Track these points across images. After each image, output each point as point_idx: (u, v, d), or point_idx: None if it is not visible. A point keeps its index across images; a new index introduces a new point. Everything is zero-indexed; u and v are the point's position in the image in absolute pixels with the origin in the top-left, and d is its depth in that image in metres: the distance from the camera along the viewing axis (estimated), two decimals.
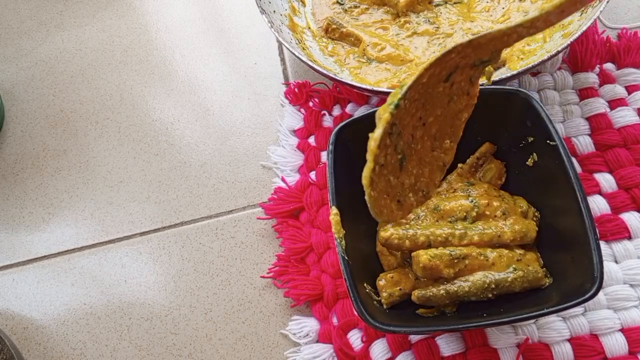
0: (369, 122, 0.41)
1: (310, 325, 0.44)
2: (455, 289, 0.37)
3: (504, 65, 0.50)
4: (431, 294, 0.37)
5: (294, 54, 0.49)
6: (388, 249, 0.41)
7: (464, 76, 0.35)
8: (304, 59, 0.48)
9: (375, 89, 0.45)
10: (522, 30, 0.32)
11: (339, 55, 0.54)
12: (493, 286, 0.37)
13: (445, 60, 0.33)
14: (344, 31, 0.55)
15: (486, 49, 0.33)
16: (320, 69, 0.48)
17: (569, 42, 0.44)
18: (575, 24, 0.48)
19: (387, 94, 0.45)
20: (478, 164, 0.43)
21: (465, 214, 0.40)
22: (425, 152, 0.37)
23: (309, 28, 0.57)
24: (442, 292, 0.37)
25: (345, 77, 0.52)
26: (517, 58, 0.50)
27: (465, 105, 0.37)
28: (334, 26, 0.55)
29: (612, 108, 0.49)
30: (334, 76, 0.47)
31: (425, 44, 0.53)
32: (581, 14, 0.48)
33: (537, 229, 0.39)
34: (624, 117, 0.48)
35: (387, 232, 0.39)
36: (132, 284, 0.48)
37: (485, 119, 0.42)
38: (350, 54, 0.54)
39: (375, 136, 0.32)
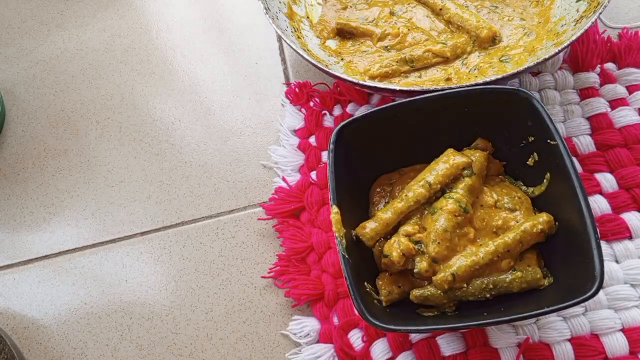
0: (369, 121, 0.41)
1: (311, 325, 0.44)
2: None
3: None
4: (429, 293, 0.38)
5: (285, 41, 0.49)
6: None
7: None
8: (294, 46, 0.48)
9: (361, 82, 0.45)
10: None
11: (346, 48, 0.54)
12: (491, 286, 0.37)
13: None
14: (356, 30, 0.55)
15: None
16: (310, 59, 0.47)
17: (569, 42, 0.43)
18: (569, 33, 0.47)
19: (373, 87, 0.45)
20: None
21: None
22: None
23: (308, 17, 0.56)
24: (439, 291, 0.37)
25: (337, 69, 0.52)
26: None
27: None
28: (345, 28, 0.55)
29: (612, 108, 0.49)
30: (323, 67, 0.46)
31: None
32: (576, 24, 0.48)
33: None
34: (624, 116, 0.48)
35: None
36: (132, 284, 0.48)
37: (486, 119, 0.42)
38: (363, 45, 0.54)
39: None
